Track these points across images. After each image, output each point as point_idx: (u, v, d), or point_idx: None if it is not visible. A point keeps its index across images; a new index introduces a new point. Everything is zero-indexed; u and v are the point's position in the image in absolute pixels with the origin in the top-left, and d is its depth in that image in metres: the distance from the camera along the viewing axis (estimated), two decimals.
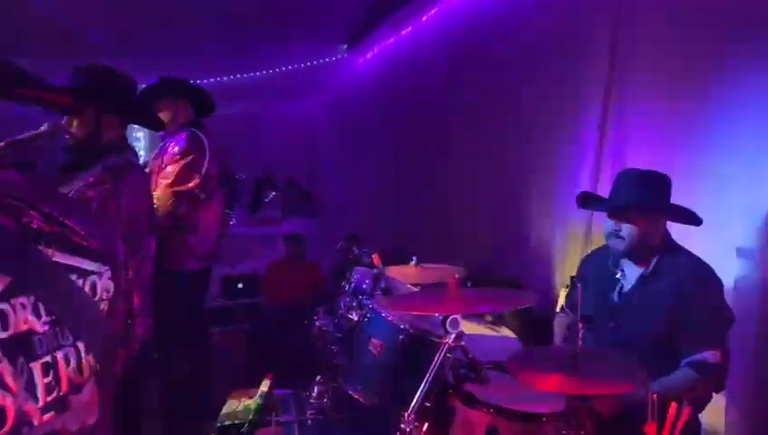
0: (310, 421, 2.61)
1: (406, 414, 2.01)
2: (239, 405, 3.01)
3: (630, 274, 2.53)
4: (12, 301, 0.72)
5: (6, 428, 0.69)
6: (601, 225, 2.60)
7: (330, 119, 9.27)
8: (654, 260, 2.45)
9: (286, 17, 6.02)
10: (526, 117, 4.12)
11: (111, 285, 0.93)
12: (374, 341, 2.42)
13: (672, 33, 2.98)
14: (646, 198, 2.40)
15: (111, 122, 2.71)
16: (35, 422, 0.73)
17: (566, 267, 3.56)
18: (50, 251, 0.82)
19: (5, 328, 0.70)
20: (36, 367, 0.74)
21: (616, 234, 2.45)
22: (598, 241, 3.17)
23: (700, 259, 2.41)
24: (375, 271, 2.55)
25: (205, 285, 3.83)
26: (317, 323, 2.67)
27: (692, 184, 2.62)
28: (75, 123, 2.65)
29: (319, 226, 8.16)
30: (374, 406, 2.39)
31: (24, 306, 0.73)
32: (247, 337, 5.42)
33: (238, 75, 7.99)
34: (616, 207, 2.45)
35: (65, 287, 0.84)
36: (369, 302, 2.50)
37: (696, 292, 2.33)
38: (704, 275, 2.36)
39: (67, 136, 2.62)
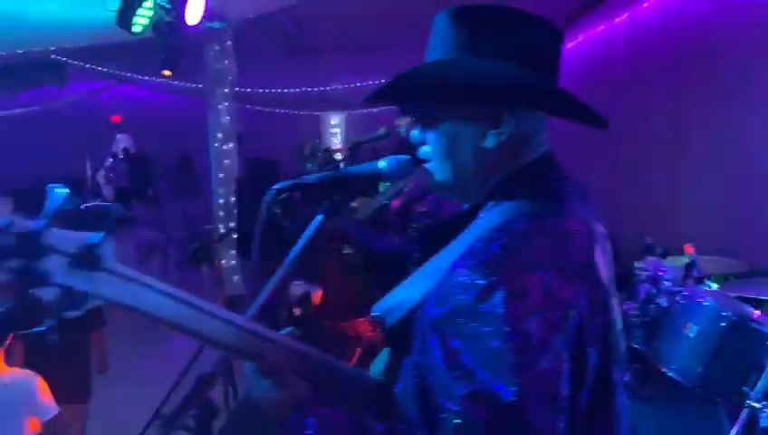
0: None
1: (752, 393, 2.19)
2: None
3: None
4: None
5: None
6: None
7: None
8: None
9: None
10: None
11: None
12: (690, 325, 2.60)
13: None
14: None
15: None
16: None
17: None
18: None
19: None
20: None
21: None
22: None
23: None
24: (688, 260, 2.71)
25: None
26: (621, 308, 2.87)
27: None
28: (403, 125, 3.02)
29: None
30: (689, 386, 2.57)
31: None
32: None
33: None
34: None
35: None
36: (681, 289, 2.68)
37: None
38: None
39: (398, 137, 3.00)
